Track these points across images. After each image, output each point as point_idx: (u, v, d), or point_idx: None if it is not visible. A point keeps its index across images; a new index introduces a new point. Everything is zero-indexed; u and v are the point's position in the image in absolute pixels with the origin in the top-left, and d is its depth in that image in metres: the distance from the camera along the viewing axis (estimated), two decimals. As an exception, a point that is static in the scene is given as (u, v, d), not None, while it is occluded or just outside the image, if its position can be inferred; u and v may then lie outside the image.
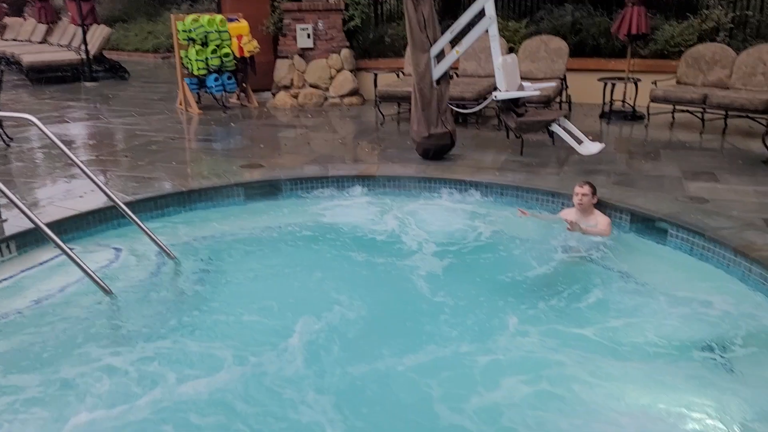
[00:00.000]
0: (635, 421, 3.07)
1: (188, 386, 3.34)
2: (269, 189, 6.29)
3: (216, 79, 10.05)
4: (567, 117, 6.75)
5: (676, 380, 3.37)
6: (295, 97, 10.49)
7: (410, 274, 4.72)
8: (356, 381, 3.43)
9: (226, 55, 10.00)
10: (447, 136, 6.74)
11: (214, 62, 9.95)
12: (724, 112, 7.78)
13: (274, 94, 10.67)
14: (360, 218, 5.75)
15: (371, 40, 11.04)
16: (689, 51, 8.34)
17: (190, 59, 9.92)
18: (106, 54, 16.15)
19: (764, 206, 5.10)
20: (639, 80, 8.65)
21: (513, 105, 6.39)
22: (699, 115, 8.05)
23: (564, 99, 9.23)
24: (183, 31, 9.80)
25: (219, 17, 9.97)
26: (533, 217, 5.53)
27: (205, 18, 9.83)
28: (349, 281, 4.60)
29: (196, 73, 9.96)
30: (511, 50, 9.43)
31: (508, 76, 6.31)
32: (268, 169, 6.66)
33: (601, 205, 5.22)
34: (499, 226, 5.48)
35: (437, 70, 6.58)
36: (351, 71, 10.58)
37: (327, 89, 10.53)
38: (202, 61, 9.87)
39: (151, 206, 5.72)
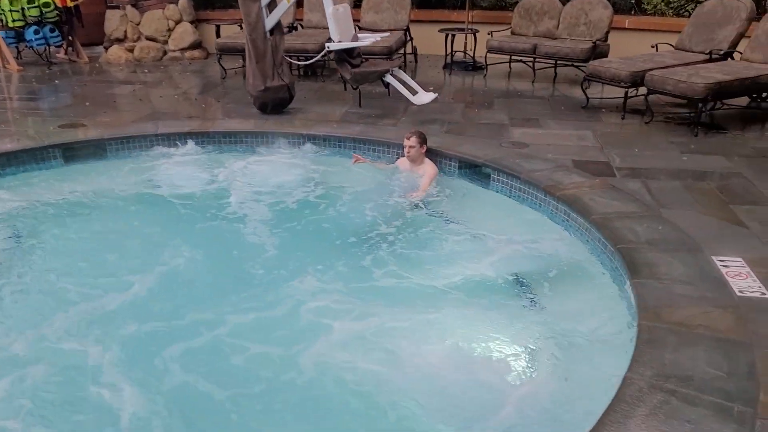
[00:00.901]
0: (448, 361, 3.21)
1: None
2: (93, 150, 5.85)
3: (36, 32, 9.11)
4: (403, 68, 6.81)
5: (489, 317, 3.53)
6: (131, 51, 9.78)
7: (241, 232, 4.62)
8: (178, 338, 3.34)
9: (46, 4, 9.06)
10: (284, 89, 6.58)
11: (32, 13, 8.99)
12: (553, 61, 8.22)
13: (106, 48, 9.87)
14: (192, 177, 5.51)
15: (215, -11, 10.49)
16: (521, 2, 8.67)
17: (3, 10, 8.89)
18: None
19: (576, 149, 5.46)
20: (477, 31, 8.90)
21: (347, 56, 6.33)
22: (531, 64, 8.44)
23: (409, 50, 9.31)
24: (-10, -23, 8.74)
25: (33, -38, 8.98)
26: (370, 164, 5.58)
27: (16, -38, 8.81)
28: (179, 242, 4.41)
29: (11, 25, 8.97)
30: (358, 1, 9.33)
31: (341, 26, 6.22)
32: (92, 129, 6.16)
33: (432, 153, 5.35)
34: (335, 178, 5.47)
35: (269, 21, 6.34)
36: (192, 23, 10.00)
37: (166, 42, 9.90)
38: (17, 11, 8.89)
39: (-54, 175, 5.14)
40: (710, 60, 6.64)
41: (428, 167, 5.24)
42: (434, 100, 6.48)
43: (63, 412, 2.87)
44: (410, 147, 5.19)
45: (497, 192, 5.05)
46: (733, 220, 3.96)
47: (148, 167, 5.64)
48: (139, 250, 4.34)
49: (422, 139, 5.21)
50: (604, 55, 7.75)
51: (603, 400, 2.56)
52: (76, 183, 5.33)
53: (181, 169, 5.61)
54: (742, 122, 6.36)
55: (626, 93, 6.42)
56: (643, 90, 6.39)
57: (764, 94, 6.76)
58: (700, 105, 5.79)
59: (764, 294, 3.07)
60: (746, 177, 4.74)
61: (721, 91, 5.74)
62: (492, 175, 5.10)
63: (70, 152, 5.73)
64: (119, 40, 9.80)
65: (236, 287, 3.88)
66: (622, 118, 6.46)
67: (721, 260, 3.41)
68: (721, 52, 6.71)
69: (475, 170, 5.29)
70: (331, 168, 5.63)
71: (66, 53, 9.89)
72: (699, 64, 6.40)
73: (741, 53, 6.72)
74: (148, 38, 9.84)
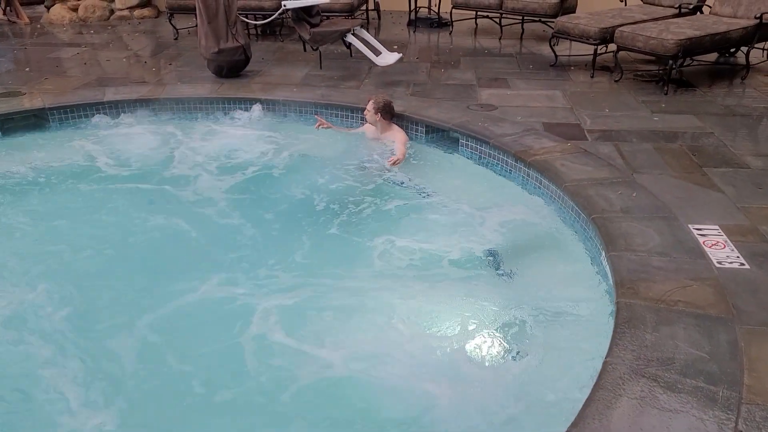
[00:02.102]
0: (417, 339, 3.06)
1: None
2: (33, 120, 5.48)
3: (-31, -9, 8.46)
4: (365, 26, 6.49)
5: (458, 292, 3.38)
6: (75, 10, 9.18)
7: (197, 209, 4.36)
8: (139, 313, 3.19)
9: (-22, -40, 8.41)
10: (240, 51, 6.21)
11: (-37, -31, 8.32)
12: (520, 17, 7.96)
13: (48, 8, 9.24)
14: (143, 147, 5.20)
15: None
16: (487, -45, 8.33)
17: (-70, -34, 8.21)
18: None
19: (546, 110, 5.27)
20: (442, -14, 8.56)
21: (306, 14, 5.98)
22: (497, 20, 8.17)
23: (372, 7, 8.93)
24: None
25: None
26: (335, 130, 5.31)
27: None
28: (130, 219, 4.15)
29: (-59, -17, 8.30)
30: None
31: (298, -18, 5.85)
32: (31, 97, 5.74)
33: (397, 117, 5.11)
34: (297, 145, 5.21)
35: (220, -24, 5.93)
36: (140, -21, 9.42)
37: (113, 0, 9.30)
38: (-54, -33, 8.21)
39: None
40: (680, 14, 6.47)
41: (398, 133, 5.00)
42: (399, 61, 6.20)
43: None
44: (366, 111, 4.98)
45: (467, 158, 4.86)
46: (708, 185, 3.84)
47: (94, 139, 5.29)
48: (84, 230, 4.05)
49: (378, 107, 4.93)
50: (572, 10, 7.53)
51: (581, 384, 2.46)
52: (14, 158, 4.96)
53: (130, 141, 5.27)
54: (711, 78, 6.25)
55: (595, 50, 6.23)
56: (612, 47, 6.20)
57: (732, 50, 6.64)
58: (670, 62, 5.63)
59: (743, 265, 2.96)
60: (718, 137, 4.63)
61: (692, 47, 5.59)
62: (460, 141, 4.90)
63: (8, 124, 5.35)
64: (62, -1, 9.19)
65: (191, 264, 3.67)
66: (592, 77, 6.28)
67: (697, 228, 3.29)
68: (691, 6, 6.55)
69: (442, 135, 5.08)
70: (292, 135, 5.35)
71: (4, 13, 9.25)
72: (669, 19, 6.23)
73: (710, 7, 6.56)
74: (93, -4, 9.25)
